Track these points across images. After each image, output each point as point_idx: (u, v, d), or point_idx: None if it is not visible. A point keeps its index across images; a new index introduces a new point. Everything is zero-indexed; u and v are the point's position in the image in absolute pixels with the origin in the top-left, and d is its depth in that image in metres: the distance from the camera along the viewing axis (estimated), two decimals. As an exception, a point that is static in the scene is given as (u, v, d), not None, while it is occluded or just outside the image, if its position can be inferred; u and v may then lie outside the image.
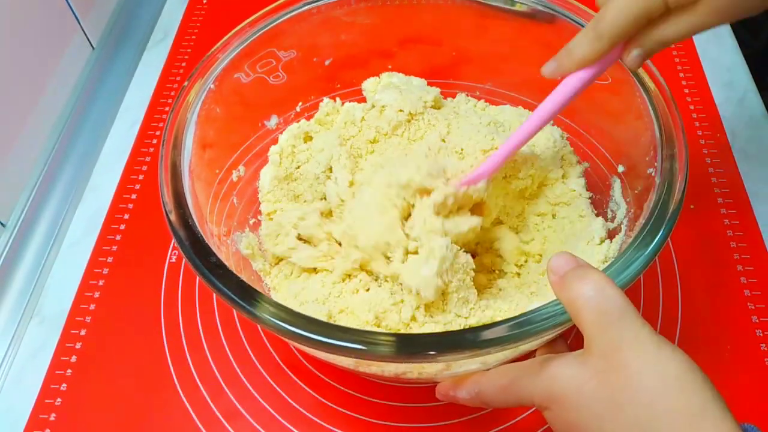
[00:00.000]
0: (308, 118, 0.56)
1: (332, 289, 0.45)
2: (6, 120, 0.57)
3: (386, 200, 0.44)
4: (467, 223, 0.44)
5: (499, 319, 0.38)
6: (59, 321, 0.52)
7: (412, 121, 0.52)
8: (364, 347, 0.33)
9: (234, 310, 0.45)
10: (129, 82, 0.70)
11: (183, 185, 0.40)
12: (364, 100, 0.57)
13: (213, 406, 0.47)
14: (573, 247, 0.47)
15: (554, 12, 0.49)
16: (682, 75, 0.66)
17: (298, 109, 0.56)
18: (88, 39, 0.70)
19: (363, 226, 0.44)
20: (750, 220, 0.55)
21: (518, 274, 0.49)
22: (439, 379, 0.39)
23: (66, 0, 0.65)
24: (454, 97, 0.58)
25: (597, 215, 0.49)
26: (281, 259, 0.49)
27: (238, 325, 0.51)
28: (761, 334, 0.49)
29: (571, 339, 0.45)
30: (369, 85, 0.57)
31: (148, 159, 0.63)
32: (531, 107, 0.56)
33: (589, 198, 0.51)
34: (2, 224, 0.57)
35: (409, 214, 0.44)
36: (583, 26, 0.47)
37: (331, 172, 0.51)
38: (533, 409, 0.46)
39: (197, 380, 0.49)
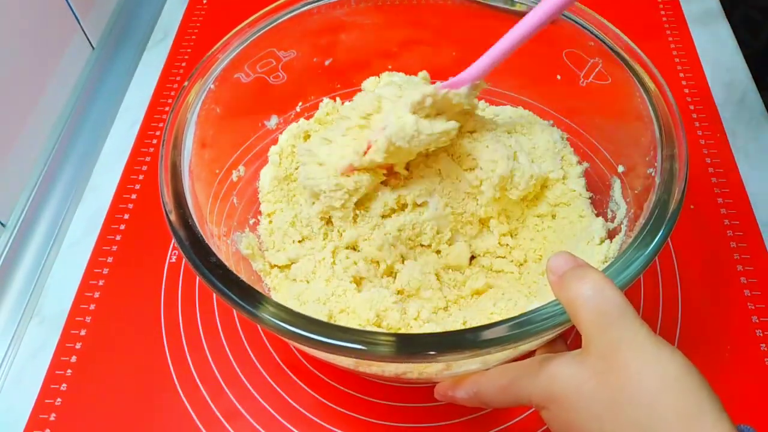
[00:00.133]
0: (308, 118, 0.56)
1: (334, 289, 0.45)
2: (6, 120, 0.57)
3: (347, 138, 0.44)
4: (442, 125, 0.43)
5: (499, 319, 0.38)
6: (59, 321, 0.52)
7: None
8: (364, 347, 0.33)
9: (234, 311, 0.45)
10: (129, 82, 0.70)
11: (183, 185, 0.40)
12: (364, 100, 0.57)
13: (213, 406, 0.47)
14: (573, 247, 0.46)
15: (554, 12, 0.49)
16: (682, 75, 0.66)
17: (298, 109, 0.56)
18: (88, 39, 0.70)
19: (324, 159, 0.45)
20: (750, 220, 0.55)
21: (518, 274, 0.49)
22: (440, 379, 0.39)
23: (66, 0, 0.65)
24: (454, 96, 0.58)
25: (597, 215, 0.49)
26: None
27: (238, 325, 0.51)
28: (761, 334, 0.49)
29: (570, 339, 0.45)
30: (369, 85, 0.56)
31: (148, 159, 0.63)
32: (531, 107, 0.56)
33: (589, 198, 0.51)
34: (2, 224, 0.57)
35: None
36: (583, 26, 0.48)
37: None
38: (533, 409, 0.46)
39: (197, 380, 0.49)
